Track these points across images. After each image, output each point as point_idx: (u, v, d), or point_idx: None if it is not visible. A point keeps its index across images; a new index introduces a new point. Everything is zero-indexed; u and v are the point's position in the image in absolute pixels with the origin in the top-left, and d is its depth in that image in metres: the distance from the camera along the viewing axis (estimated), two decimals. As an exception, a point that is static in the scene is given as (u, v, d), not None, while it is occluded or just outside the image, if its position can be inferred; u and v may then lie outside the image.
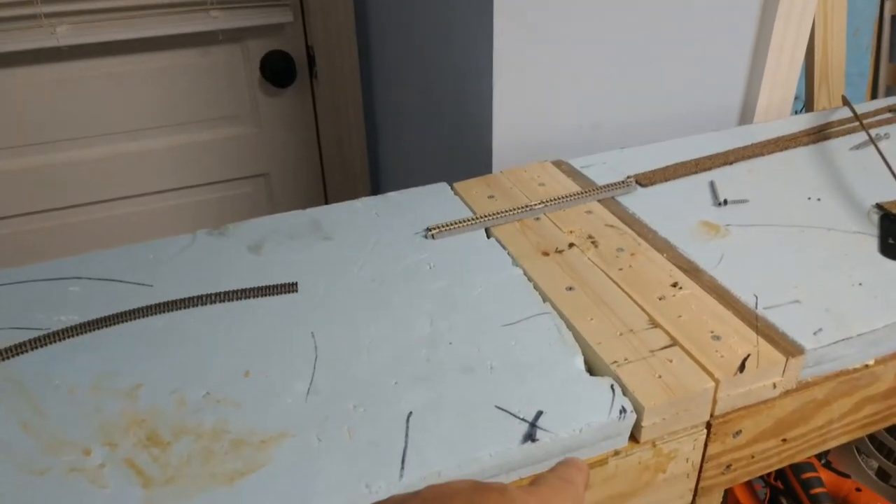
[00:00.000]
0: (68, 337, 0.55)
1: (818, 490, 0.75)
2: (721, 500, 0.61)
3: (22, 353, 0.53)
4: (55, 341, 0.54)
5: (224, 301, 0.58)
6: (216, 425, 0.47)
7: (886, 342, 0.55)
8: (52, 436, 0.47)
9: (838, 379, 0.54)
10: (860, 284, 0.58)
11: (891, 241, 0.62)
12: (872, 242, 0.63)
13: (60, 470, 0.44)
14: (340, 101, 1.28)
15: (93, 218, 1.29)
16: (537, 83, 0.81)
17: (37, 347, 0.54)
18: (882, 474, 1.01)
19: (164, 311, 0.57)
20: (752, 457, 0.55)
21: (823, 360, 0.53)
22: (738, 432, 0.52)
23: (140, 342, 0.54)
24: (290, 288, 0.59)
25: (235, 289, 0.59)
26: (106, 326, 0.56)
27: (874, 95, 1.34)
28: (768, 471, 0.57)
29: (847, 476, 0.87)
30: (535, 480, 0.37)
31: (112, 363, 0.52)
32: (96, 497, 0.42)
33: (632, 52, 0.84)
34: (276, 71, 1.25)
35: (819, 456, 0.92)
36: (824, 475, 0.82)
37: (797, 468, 0.77)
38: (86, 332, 0.55)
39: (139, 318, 0.56)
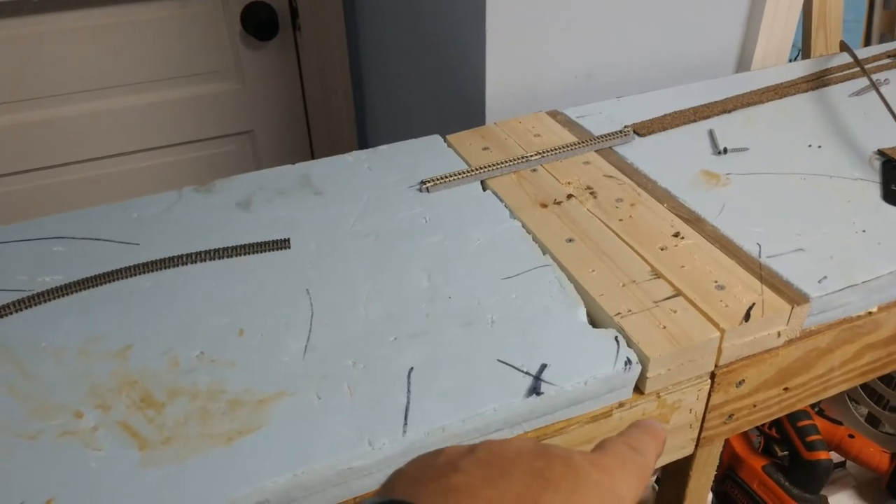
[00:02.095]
0: (53, 298, 0.53)
1: (814, 437, 0.75)
2: (721, 449, 0.61)
3: (5, 315, 0.51)
4: (39, 303, 0.52)
5: (214, 259, 0.56)
6: (211, 385, 0.46)
7: (890, 289, 0.54)
8: (42, 399, 0.45)
9: (841, 327, 0.54)
10: (864, 231, 0.57)
11: (893, 187, 0.61)
12: (875, 189, 0.62)
13: (52, 434, 0.43)
14: (325, 54, 1.24)
15: (69, 179, 1.25)
16: (531, 31, 0.79)
17: (20, 309, 0.52)
18: (871, 420, 1.02)
19: (151, 271, 0.55)
20: (754, 406, 0.54)
21: (827, 307, 0.52)
22: (741, 382, 0.52)
23: (128, 303, 0.53)
24: (283, 244, 0.58)
25: (225, 246, 0.57)
26: (92, 287, 0.54)
27: (868, 42, 1.32)
28: (769, 420, 0.57)
29: (839, 423, 0.88)
30: (602, 445, 0.32)
31: (100, 324, 0.51)
32: (91, 460, 0.41)
33: (627, -2, 0.81)
34: (258, 23, 1.20)
35: (812, 404, 0.93)
36: (818, 422, 0.83)
37: (793, 416, 0.77)
38: (71, 293, 0.53)
39: (126, 277, 0.55)
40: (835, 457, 0.87)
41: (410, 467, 0.29)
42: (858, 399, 1.00)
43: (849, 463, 0.91)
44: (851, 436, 0.84)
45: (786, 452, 0.81)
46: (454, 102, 0.89)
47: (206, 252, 0.56)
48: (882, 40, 1.34)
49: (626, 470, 0.30)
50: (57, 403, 0.45)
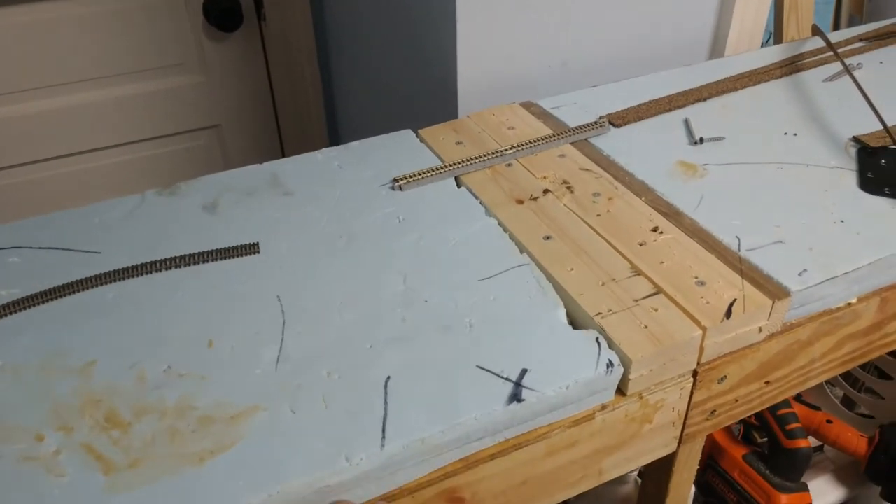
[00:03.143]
0: (10, 313, 0.50)
1: (793, 426, 0.76)
2: (703, 444, 0.60)
3: (-41, 333, 0.49)
4: (-4, 318, 0.50)
5: (180, 266, 0.54)
6: (180, 401, 0.44)
7: (869, 279, 0.54)
8: (0, 421, 0.43)
9: (821, 319, 0.53)
10: (842, 221, 0.56)
11: (870, 175, 0.61)
12: (852, 177, 0.62)
13: (11, 459, 0.41)
14: (292, 45, 1.21)
15: (27, 180, 1.21)
16: (503, 19, 0.77)
17: (-25, 326, 0.49)
18: (847, 402, 1.03)
19: (114, 281, 0.53)
20: (736, 401, 0.54)
21: (808, 300, 0.52)
22: (723, 378, 0.51)
23: (90, 315, 0.50)
24: (251, 249, 0.56)
25: (191, 252, 0.55)
26: (51, 300, 0.51)
27: (837, 24, 1.32)
28: (750, 413, 0.57)
29: (817, 408, 0.88)
30: None
31: (60, 340, 0.48)
32: (53, 487, 0.39)
33: (599, -16, 0.80)
34: (221, 14, 1.17)
35: (789, 389, 0.93)
36: (796, 408, 0.83)
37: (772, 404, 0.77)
38: (29, 306, 0.51)
39: (87, 288, 0.52)
40: (813, 441, 0.87)
41: None
42: (834, 381, 1.01)
43: (827, 447, 0.91)
44: (829, 421, 0.85)
45: (765, 439, 0.81)
46: (426, 92, 0.87)
47: (171, 259, 0.54)
48: (851, 21, 1.35)
49: None
50: (16, 426, 0.43)
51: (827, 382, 1.03)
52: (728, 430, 0.82)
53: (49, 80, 1.14)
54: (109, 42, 1.14)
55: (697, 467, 0.61)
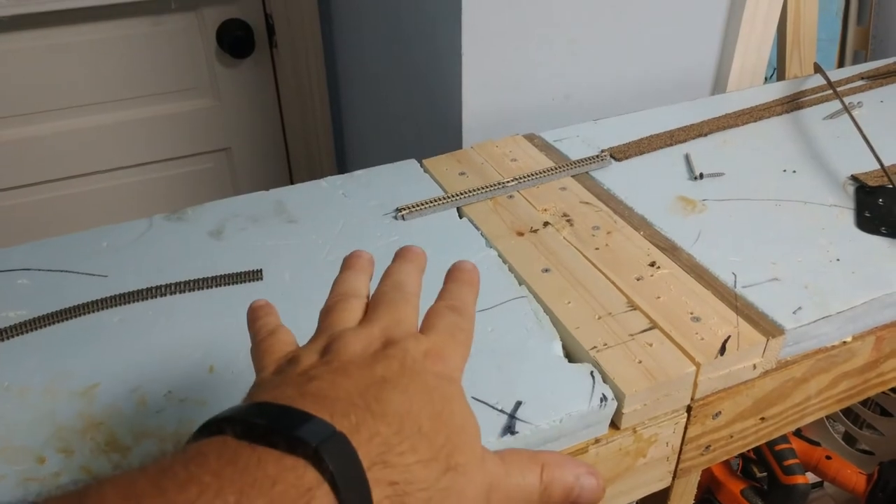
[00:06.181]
0: (17, 334, 0.51)
1: (791, 461, 0.75)
2: (698, 478, 0.60)
3: (-33, 353, 0.50)
4: (3, 339, 0.51)
5: (184, 291, 0.55)
6: (180, 427, 0.45)
7: (864, 318, 0.54)
8: (4, 441, 0.44)
9: (816, 357, 0.54)
10: (838, 260, 0.57)
11: (867, 214, 0.62)
12: (849, 216, 0.62)
13: (13, 480, 0.42)
14: (302, 72, 1.23)
15: (38, 199, 1.23)
16: (508, 53, 0.78)
17: (-17, 347, 0.50)
18: (848, 438, 1.03)
19: (120, 304, 0.54)
20: (731, 437, 0.54)
21: (802, 339, 0.52)
22: (718, 413, 0.52)
23: (95, 338, 0.51)
24: (255, 275, 0.57)
25: (196, 278, 0.56)
26: (58, 322, 0.52)
27: (842, 60, 1.34)
28: (746, 449, 0.57)
29: (817, 444, 0.88)
30: (429, 321, 0.35)
31: (66, 362, 0.49)
32: (52, 509, 0.40)
33: (603, 19, 0.82)
34: (234, 41, 1.19)
35: (789, 423, 0.93)
36: (795, 443, 0.83)
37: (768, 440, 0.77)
38: (36, 328, 0.52)
39: (93, 312, 0.53)
40: (812, 477, 0.87)
41: (270, 377, 0.33)
42: (835, 417, 1.01)
43: (826, 483, 0.91)
44: (829, 457, 0.85)
45: (764, 473, 0.81)
46: (431, 122, 0.88)
47: (175, 284, 0.55)
48: (856, 57, 1.36)
49: (456, 344, 0.34)
50: (20, 446, 0.44)
51: (828, 418, 1.03)
52: (726, 464, 0.82)
53: (63, 102, 1.17)
54: (124, 66, 1.17)
55: (693, 501, 0.61)
